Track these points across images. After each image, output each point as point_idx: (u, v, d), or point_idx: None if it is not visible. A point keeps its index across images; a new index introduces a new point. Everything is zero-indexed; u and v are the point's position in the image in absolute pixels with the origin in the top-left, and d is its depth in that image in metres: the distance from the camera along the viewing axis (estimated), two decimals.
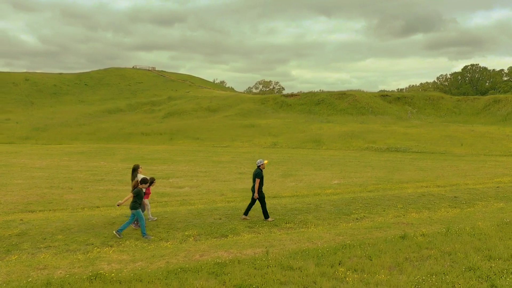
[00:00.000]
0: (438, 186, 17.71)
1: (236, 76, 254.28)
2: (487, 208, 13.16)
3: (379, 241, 9.15)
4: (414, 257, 8.11)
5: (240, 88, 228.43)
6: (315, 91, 67.21)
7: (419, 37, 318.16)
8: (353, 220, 11.75)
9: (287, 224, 11.28)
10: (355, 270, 7.39)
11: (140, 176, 11.13)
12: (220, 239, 10.02)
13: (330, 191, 16.38)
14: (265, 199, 11.63)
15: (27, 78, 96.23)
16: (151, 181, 11.08)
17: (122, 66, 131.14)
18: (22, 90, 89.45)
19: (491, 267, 7.38)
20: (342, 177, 20.27)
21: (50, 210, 13.34)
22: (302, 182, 18.80)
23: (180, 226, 11.08)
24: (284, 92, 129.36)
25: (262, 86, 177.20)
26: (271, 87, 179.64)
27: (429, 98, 65.23)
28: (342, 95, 64.26)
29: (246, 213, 11.65)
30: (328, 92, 67.28)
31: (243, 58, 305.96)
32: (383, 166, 24.44)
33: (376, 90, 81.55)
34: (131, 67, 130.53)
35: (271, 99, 70.03)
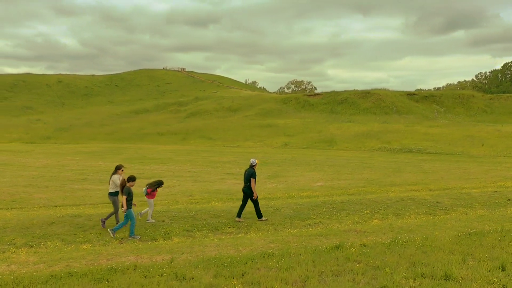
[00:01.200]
0: (430, 190, 16.35)
1: (271, 76, 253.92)
2: (465, 216, 11.82)
3: (308, 250, 8.21)
4: (332, 271, 7.12)
5: (273, 88, 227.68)
6: (339, 90, 65.43)
7: (460, 34, 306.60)
8: (304, 226, 10.80)
9: (230, 229, 10.48)
10: (251, 283, 6.53)
11: (115, 177, 10.59)
12: (145, 243, 9.38)
13: (306, 194, 15.45)
14: (248, 201, 11.30)
15: (60, 80, 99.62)
16: (159, 183, 11.24)
17: (159, 67, 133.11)
18: (55, 92, 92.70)
19: (410, 287, 6.33)
20: (331, 178, 19.20)
21: (7, 209, 13.18)
22: (283, 183, 17.91)
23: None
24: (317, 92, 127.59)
25: (294, 86, 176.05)
26: (303, 87, 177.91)
27: (459, 96, 62.08)
28: (366, 94, 62.25)
29: (239, 215, 11.17)
30: (352, 91, 65.40)
31: (279, 58, 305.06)
32: (384, 168, 23.08)
33: (413, 89, 77.88)
34: (162, 68, 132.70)
35: (293, 98, 68.92)
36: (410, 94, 63.60)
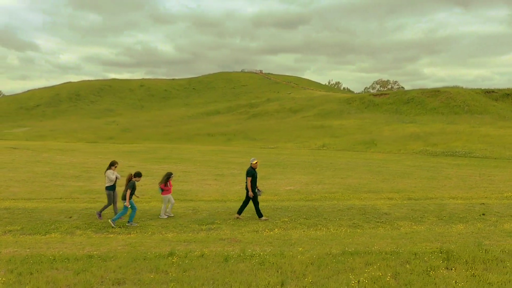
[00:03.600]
0: (409, 199, 14.27)
1: (362, 76, 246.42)
2: (389, 232, 10.00)
3: (139, 256, 7.68)
4: (117, 279, 6.53)
5: (359, 89, 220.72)
6: (406, 89, 60.93)
7: None
8: (194, 231, 10.08)
9: (126, 229, 10.29)
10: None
11: (109, 173, 11.23)
12: (32, 236, 9.68)
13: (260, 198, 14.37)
14: (256, 198, 11.25)
15: (142, 84, 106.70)
16: (168, 176, 11.46)
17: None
18: (136, 95, 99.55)
19: None
20: (312, 183, 17.75)
21: None
22: (268, 186, 16.97)
23: (24, 220, 10.94)
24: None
25: (380, 86, 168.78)
26: (389, 86, 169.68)
27: None
28: (435, 93, 57.16)
29: (239, 212, 11.28)
30: (420, 89, 60.56)
31: (370, 57, 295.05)
32: (390, 172, 20.82)
33: None
34: (240, 71, 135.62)
35: (358, 99, 65.83)
36: (488, 92, 56.99)
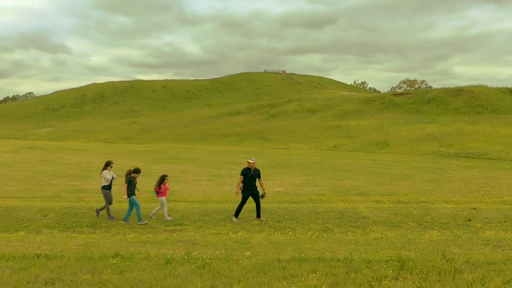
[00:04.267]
0: (398, 202, 13.68)
1: (390, 76, 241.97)
2: (362, 237, 9.51)
3: (76, 256, 7.77)
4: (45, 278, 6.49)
5: (386, 88, 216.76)
6: (427, 88, 59.21)
7: None
8: (158, 232, 9.97)
9: (92, 229, 10.33)
10: None
11: (105, 173, 11.44)
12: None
13: (237, 199, 14.14)
14: (245, 200, 11.06)
15: (165, 85, 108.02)
16: (162, 178, 11.32)
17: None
18: (159, 96, 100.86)
19: None
20: (304, 184, 17.35)
21: None
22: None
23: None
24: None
25: (407, 86, 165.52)
26: (416, 86, 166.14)
27: None
28: (458, 92, 55.28)
29: (236, 214, 11.08)
30: (442, 89, 58.74)
31: (399, 57, 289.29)
32: (391, 174, 20.13)
33: None
34: (263, 71, 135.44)
35: (378, 98, 64.48)
36: None
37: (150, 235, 9.72)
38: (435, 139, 33.95)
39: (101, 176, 11.64)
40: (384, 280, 6.46)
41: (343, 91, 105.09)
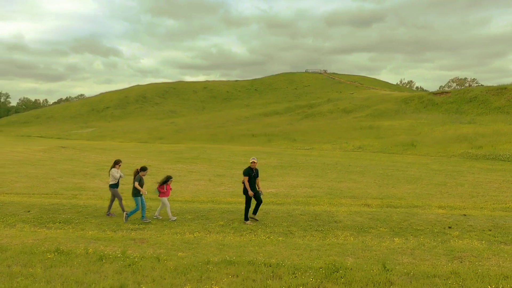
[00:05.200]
0: (387, 206, 13.00)
1: (442, 74, 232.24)
2: (319, 242, 9.12)
3: (21, 249, 8.21)
4: None
5: (435, 87, 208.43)
6: (469, 86, 56.14)
7: None
8: (120, 230, 10.16)
9: (60, 224, 10.71)
10: None
11: (113, 171, 11.73)
12: None
13: (221, 199, 14.10)
14: (249, 201, 10.89)
15: (206, 86, 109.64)
16: (167, 179, 11.40)
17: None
18: (199, 97, 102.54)
19: None
20: (303, 185, 16.94)
21: None
22: (234, 188, 16.56)
23: None
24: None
25: (456, 84, 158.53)
26: (467, 84, 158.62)
27: None
28: (502, 91, 51.93)
29: (254, 212, 11.02)
30: (485, 87, 55.51)
31: (451, 54, 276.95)
32: (398, 177, 19.18)
33: None
34: (304, 71, 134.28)
35: (416, 98, 61.92)
36: None
37: (110, 233, 9.83)
38: (466, 140, 32.11)
39: (109, 175, 11.87)
40: None
41: (385, 90, 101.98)
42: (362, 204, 13.25)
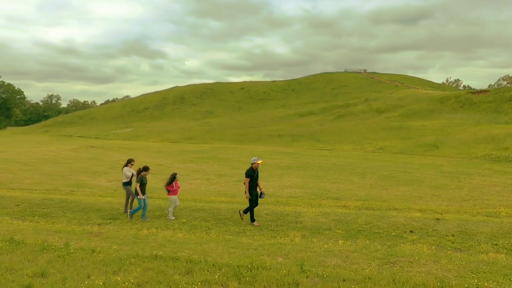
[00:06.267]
0: (366, 208, 12.77)
1: (495, 72, 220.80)
2: (262, 241, 9.12)
3: None
4: None
5: (484, 86, 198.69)
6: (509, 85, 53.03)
7: None
8: (84, 224, 10.63)
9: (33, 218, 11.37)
10: None
11: (126, 170, 12.04)
12: None
13: (203, 198, 14.34)
14: (251, 202, 10.70)
15: (243, 87, 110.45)
16: (172, 177, 11.45)
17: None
18: (235, 98, 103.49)
19: None
20: (295, 186, 16.88)
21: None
22: (225, 187, 16.73)
23: None
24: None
25: (507, 83, 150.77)
26: None
27: None
28: None
29: (252, 219, 10.64)
30: None
31: (505, 51, 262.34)
32: (404, 179, 18.60)
33: None
34: (343, 71, 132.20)
35: (453, 97, 59.36)
36: None
37: (75, 227, 10.35)
38: (493, 141, 30.51)
39: (122, 173, 12.13)
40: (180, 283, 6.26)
41: (425, 89, 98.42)
42: (340, 206, 13.05)
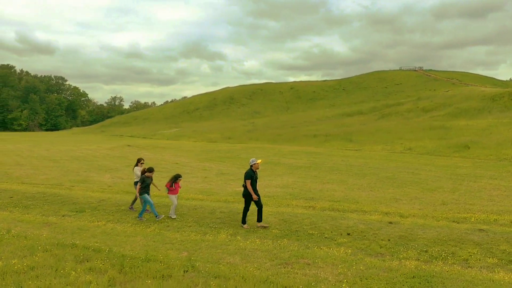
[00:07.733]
0: (331, 210, 12.60)
1: None
2: (181, 237, 9.40)
3: None
4: None
5: None
6: None
7: None
8: (50, 216, 11.55)
9: (22, 209, 12.33)
10: None
11: (136, 169, 12.63)
12: None
13: (184, 196, 14.79)
14: (249, 204, 10.46)
15: (292, 87, 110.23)
16: (175, 177, 11.53)
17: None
18: (284, 98, 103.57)
19: None
20: (283, 185, 16.90)
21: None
22: (214, 186, 17.11)
23: None
24: None
25: None
26: None
27: None
28: None
29: (243, 221, 10.44)
30: None
31: None
32: (400, 180, 17.90)
33: None
34: (398, 68, 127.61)
35: (506, 94, 55.31)
36: None
37: (39, 217, 11.30)
38: None
39: (133, 172, 12.67)
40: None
41: (485, 87, 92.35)
42: (307, 206, 12.98)
